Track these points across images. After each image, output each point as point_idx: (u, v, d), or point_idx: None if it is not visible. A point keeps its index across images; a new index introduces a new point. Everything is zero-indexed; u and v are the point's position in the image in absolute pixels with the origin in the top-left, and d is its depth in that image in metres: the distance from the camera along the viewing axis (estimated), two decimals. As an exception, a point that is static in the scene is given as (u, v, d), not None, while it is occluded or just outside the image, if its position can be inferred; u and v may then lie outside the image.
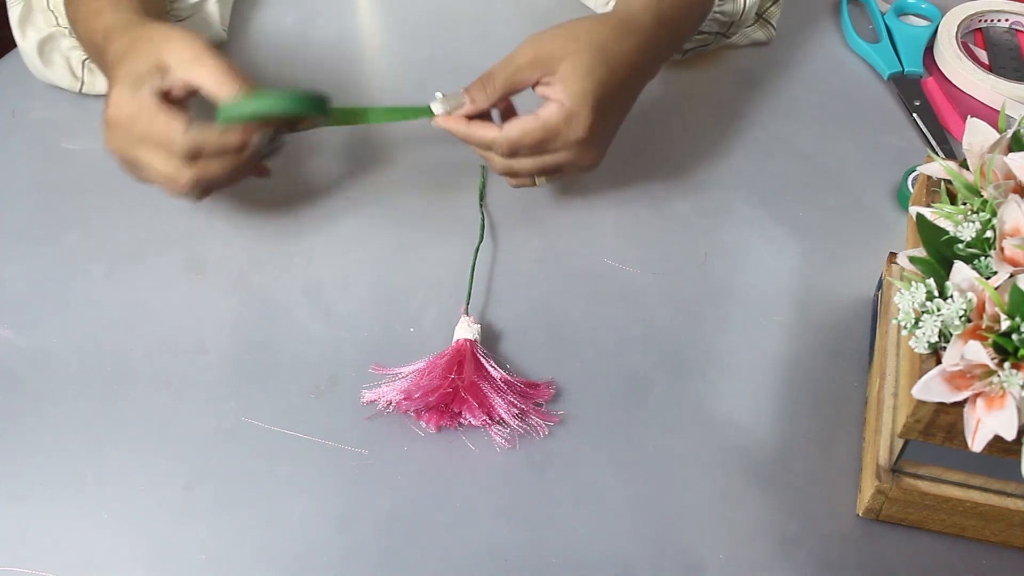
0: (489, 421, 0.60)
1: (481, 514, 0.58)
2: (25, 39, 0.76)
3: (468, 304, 0.66)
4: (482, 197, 0.73)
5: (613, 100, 0.65)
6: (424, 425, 0.61)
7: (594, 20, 0.66)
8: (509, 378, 0.62)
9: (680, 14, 0.70)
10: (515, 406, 0.60)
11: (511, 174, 0.67)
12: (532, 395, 0.62)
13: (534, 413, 0.61)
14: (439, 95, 0.66)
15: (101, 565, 0.56)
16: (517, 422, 0.60)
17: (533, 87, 0.65)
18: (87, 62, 0.78)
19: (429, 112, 0.66)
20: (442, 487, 0.59)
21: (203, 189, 0.63)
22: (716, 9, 0.77)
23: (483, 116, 0.66)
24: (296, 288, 0.68)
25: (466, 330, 0.63)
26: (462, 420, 0.60)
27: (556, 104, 0.63)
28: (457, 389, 0.61)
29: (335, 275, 0.69)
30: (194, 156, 0.60)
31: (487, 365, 0.62)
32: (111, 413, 0.62)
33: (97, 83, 0.79)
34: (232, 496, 0.58)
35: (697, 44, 0.81)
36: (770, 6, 0.83)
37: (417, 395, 0.60)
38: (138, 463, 0.60)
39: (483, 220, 0.71)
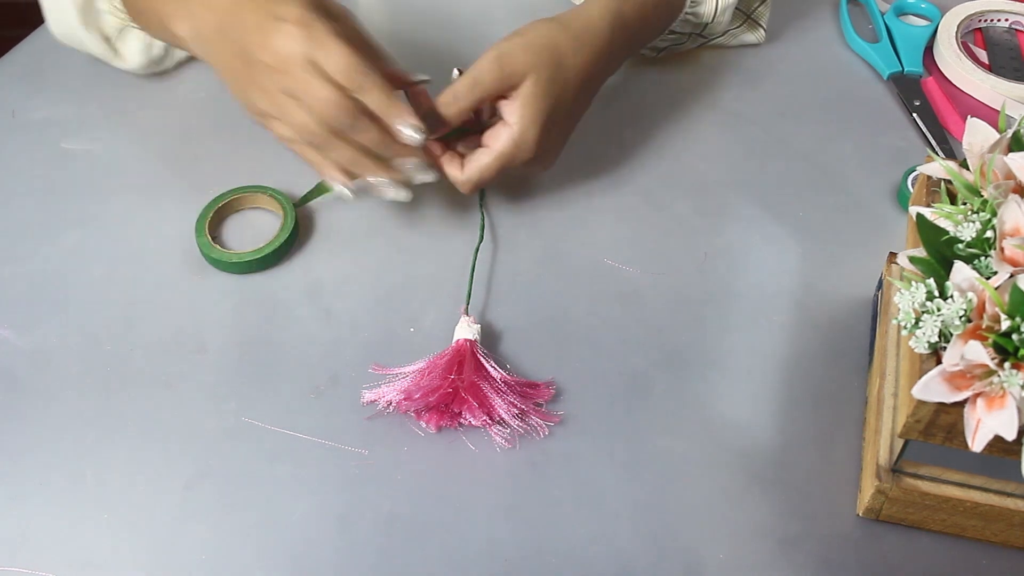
0: (489, 421, 0.60)
1: (481, 514, 0.58)
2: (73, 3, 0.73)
3: (468, 304, 0.66)
4: (482, 197, 0.73)
5: (562, 113, 0.67)
6: (424, 425, 0.61)
7: (553, 28, 0.66)
8: (509, 378, 0.62)
9: (643, 20, 0.71)
10: (515, 406, 0.60)
11: (475, 185, 0.68)
12: (532, 395, 0.62)
13: (534, 413, 0.61)
14: (455, 74, 0.68)
15: (101, 565, 0.56)
16: (517, 422, 0.60)
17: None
18: (120, 31, 0.76)
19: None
20: (442, 487, 0.59)
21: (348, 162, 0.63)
22: (688, 10, 0.77)
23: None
24: (296, 288, 0.68)
25: (466, 330, 0.63)
26: (462, 420, 0.60)
27: (507, 132, 0.65)
28: (457, 389, 0.61)
29: (335, 275, 0.69)
30: (360, 91, 0.60)
31: (487, 365, 0.62)
32: (111, 413, 0.62)
33: (127, 54, 0.77)
34: (232, 496, 0.58)
35: (671, 43, 0.81)
36: (758, 6, 0.83)
37: (417, 395, 0.60)
38: (138, 463, 0.60)
39: (483, 220, 0.71)
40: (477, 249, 0.69)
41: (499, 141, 0.66)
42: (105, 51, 0.77)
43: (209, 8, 0.63)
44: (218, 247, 0.69)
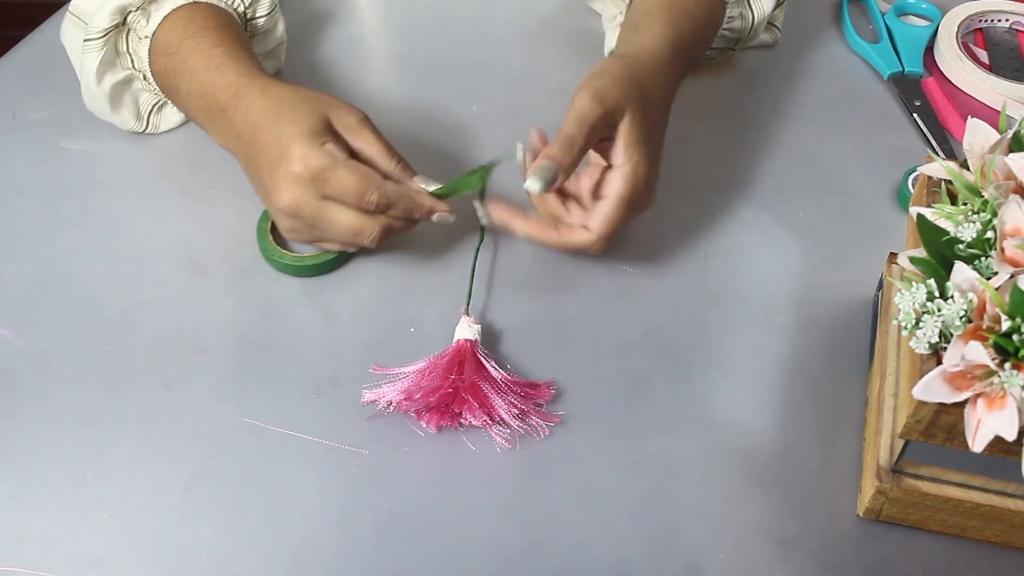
0: (489, 421, 0.60)
1: (481, 514, 0.58)
2: (100, 84, 0.72)
3: (468, 304, 0.66)
4: (482, 197, 0.72)
5: (656, 142, 0.66)
6: (424, 425, 0.61)
7: (628, 63, 0.65)
8: (509, 378, 0.62)
9: (695, 35, 0.72)
10: (515, 406, 0.60)
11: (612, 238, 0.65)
12: (532, 395, 0.62)
13: (534, 413, 0.61)
14: (520, 154, 0.64)
15: (101, 565, 0.56)
16: (517, 422, 0.60)
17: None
18: (157, 105, 0.76)
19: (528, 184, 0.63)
20: (442, 487, 0.59)
21: (383, 237, 0.63)
22: (724, 27, 0.77)
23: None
24: (296, 288, 0.68)
25: (466, 330, 0.63)
26: (463, 420, 0.60)
27: (621, 174, 0.63)
28: (457, 389, 0.60)
29: (335, 275, 0.69)
30: (385, 209, 0.62)
31: (487, 365, 0.62)
32: (111, 413, 0.62)
33: (162, 124, 0.77)
34: (232, 496, 0.58)
35: (705, 59, 0.82)
36: (774, 8, 0.82)
37: (417, 395, 0.60)
38: (138, 463, 0.60)
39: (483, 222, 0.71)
40: (477, 249, 0.69)
41: (615, 185, 0.63)
42: (135, 126, 0.76)
43: (234, 143, 0.66)
44: (283, 250, 0.69)
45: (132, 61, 0.72)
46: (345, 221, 0.61)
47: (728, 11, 0.76)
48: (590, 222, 0.63)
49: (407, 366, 0.63)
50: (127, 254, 0.70)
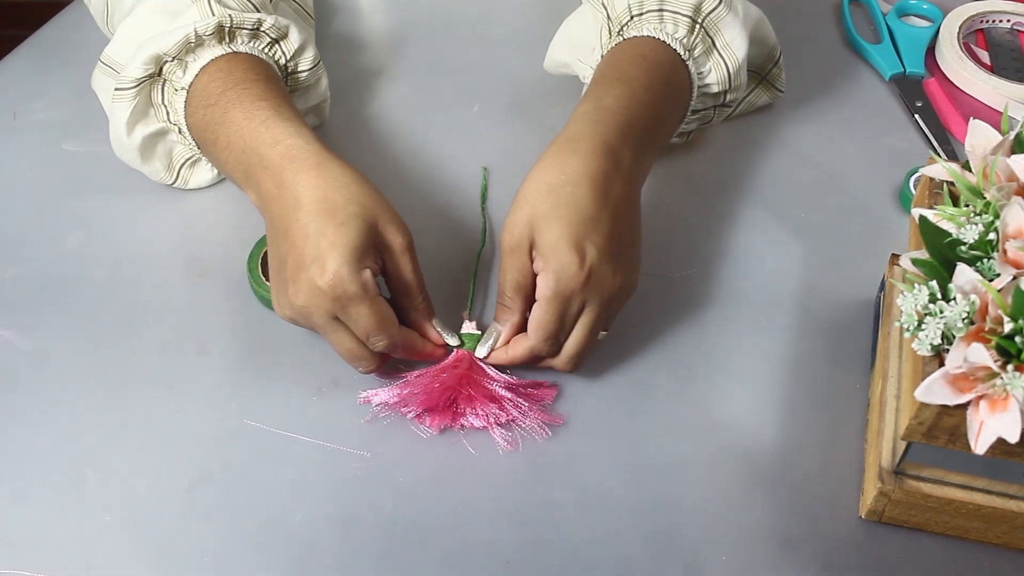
0: (491, 423, 0.60)
1: (483, 516, 0.58)
2: (131, 136, 0.69)
3: (470, 309, 0.66)
4: (484, 201, 0.73)
5: (602, 220, 0.59)
6: (426, 427, 0.61)
7: (537, 170, 0.60)
8: (511, 380, 0.62)
9: (654, 109, 0.65)
10: (517, 408, 0.60)
11: (578, 357, 0.61)
12: (534, 396, 0.62)
13: (536, 415, 0.61)
14: (468, 331, 0.64)
15: (102, 567, 0.56)
16: (519, 424, 0.60)
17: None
18: (191, 160, 0.72)
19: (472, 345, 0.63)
20: (444, 489, 0.59)
21: (378, 368, 0.61)
22: (699, 85, 0.70)
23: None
24: (297, 290, 0.68)
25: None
26: (464, 422, 0.60)
27: (542, 274, 0.59)
28: (459, 391, 0.60)
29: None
30: (390, 352, 0.60)
31: (488, 368, 0.62)
32: (113, 415, 0.62)
33: (192, 180, 0.74)
34: (234, 498, 0.58)
35: (698, 121, 0.74)
36: (772, 68, 0.78)
37: (419, 397, 0.60)
38: (140, 465, 0.60)
39: (484, 224, 0.71)
40: (479, 254, 0.69)
41: (540, 285, 0.59)
42: (165, 178, 0.73)
43: (272, 207, 0.61)
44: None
45: (168, 114, 0.68)
46: (347, 347, 0.59)
47: (695, 68, 0.69)
48: (529, 330, 0.60)
49: (410, 370, 0.62)
50: (129, 255, 0.70)
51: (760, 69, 0.78)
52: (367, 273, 0.57)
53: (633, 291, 0.62)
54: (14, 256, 0.70)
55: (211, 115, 0.65)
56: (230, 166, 0.65)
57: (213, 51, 0.66)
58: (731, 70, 0.71)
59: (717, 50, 0.70)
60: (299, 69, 0.71)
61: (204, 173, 0.73)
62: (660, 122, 0.67)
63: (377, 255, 0.59)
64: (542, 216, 0.58)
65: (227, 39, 0.67)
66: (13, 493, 0.58)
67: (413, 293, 0.61)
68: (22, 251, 0.71)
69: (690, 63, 0.68)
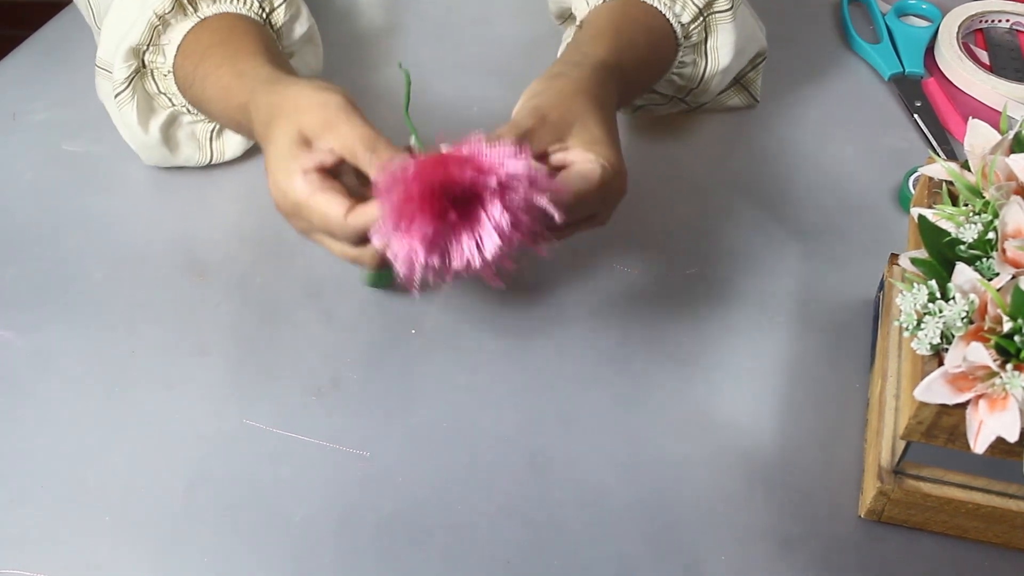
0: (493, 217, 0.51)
1: (482, 515, 0.58)
2: (148, 132, 0.69)
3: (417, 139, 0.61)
4: (407, 107, 0.66)
5: (615, 139, 0.60)
6: (420, 252, 0.51)
7: (570, 75, 0.61)
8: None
9: (638, 67, 0.67)
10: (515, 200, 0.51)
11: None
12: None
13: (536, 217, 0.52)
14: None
15: (102, 567, 0.55)
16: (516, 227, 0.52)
17: (542, 158, 0.59)
18: (215, 131, 0.73)
19: None
20: (443, 489, 0.59)
21: (383, 262, 0.57)
22: (674, 71, 0.71)
23: None
24: (297, 289, 0.68)
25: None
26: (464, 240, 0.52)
27: (592, 163, 0.57)
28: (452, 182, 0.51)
29: (336, 277, 0.69)
30: (365, 239, 0.55)
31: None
32: (112, 415, 0.62)
33: (228, 150, 0.74)
34: (233, 498, 0.58)
35: (647, 102, 0.76)
36: (749, 71, 0.78)
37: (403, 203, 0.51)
38: (139, 465, 0.60)
39: (413, 131, 0.65)
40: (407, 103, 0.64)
41: (584, 170, 0.56)
42: (201, 158, 0.73)
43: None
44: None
45: (170, 100, 0.69)
46: (338, 250, 0.58)
47: (681, 54, 0.70)
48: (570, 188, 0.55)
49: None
50: (128, 256, 0.70)
51: (737, 74, 0.78)
52: (297, 179, 0.55)
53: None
54: (13, 256, 0.70)
55: (195, 92, 0.66)
56: (232, 127, 0.68)
57: (183, 25, 0.66)
58: (707, 73, 0.72)
59: (705, 49, 0.71)
60: (275, 5, 0.69)
61: (233, 138, 0.73)
62: (638, 89, 0.70)
63: (313, 149, 0.56)
64: (596, 120, 0.59)
65: (192, 8, 0.66)
66: (13, 493, 0.58)
67: (360, 156, 0.55)
68: (21, 251, 0.71)
69: (680, 50, 0.70)
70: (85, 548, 0.56)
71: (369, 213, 0.54)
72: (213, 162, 0.74)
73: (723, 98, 0.79)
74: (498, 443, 0.60)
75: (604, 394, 0.63)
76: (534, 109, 0.59)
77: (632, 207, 0.74)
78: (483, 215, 0.51)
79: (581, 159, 0.58)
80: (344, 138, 0.56)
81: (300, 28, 0.73)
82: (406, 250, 0.51)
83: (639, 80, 0.69)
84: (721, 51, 0.71)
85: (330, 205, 0.55)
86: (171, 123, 0.71)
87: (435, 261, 0.52)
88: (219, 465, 0.60)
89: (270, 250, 0.70)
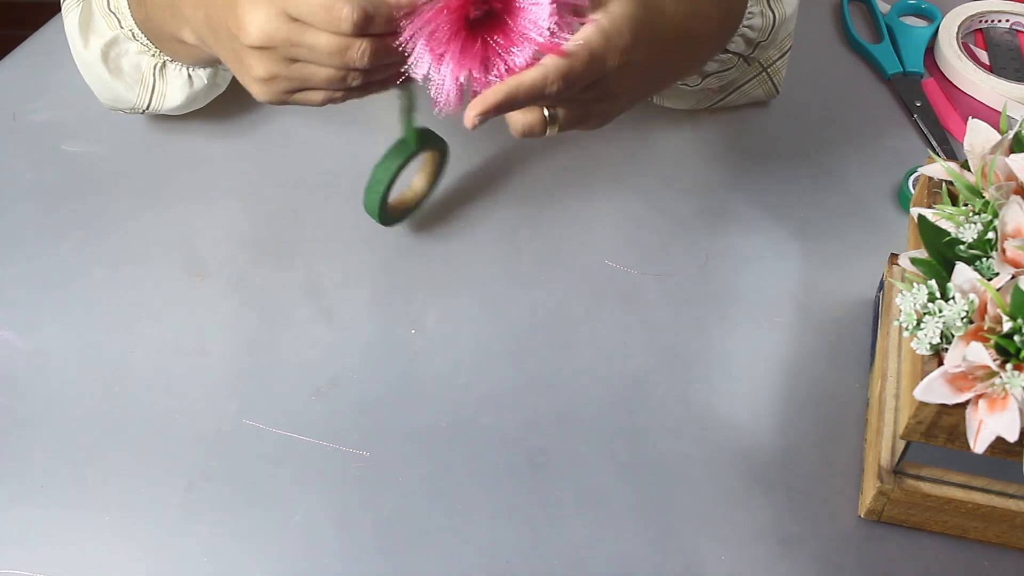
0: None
1: (482, 516, 0.58)
2: (88, 48, 0.69)
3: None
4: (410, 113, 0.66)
5: (655, 42, 0.56)
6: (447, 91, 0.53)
7: None
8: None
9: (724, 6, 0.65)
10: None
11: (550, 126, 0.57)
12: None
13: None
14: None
15: (102, 567, 0.56)
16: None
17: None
18: (158, 68, 0.71)
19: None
20: (443, 489, 0.59)
21: (370, 75, 0.55)
22: (745, 23, 0.70)
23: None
24: (297, 289, 0.68)
25: None
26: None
27: (594, 25, 0.53)
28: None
29: (336, 276, 0.69)
30: (366, 24, 0.52)
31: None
32: (112, 415, 0.62)
33: (168, 92, 0.72)
34: (233, 498, 0.58)
35: (718, 67, 0.73)
36: (777, 59, 0.77)
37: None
38: (139, 465, 0.60)
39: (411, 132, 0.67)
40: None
41: (585, 31, 0.53)
42: (141, 95, 0.72)
43: (195, 6, 0.59)
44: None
45: (119, 21, 0.68)
46: (323, 47, 0.53)
47: (748, 5, 0.69)
48: (544, 60, 0.53)
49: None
50: (127, 256, 0.70)
51: (765, 60, 0.77)
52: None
53: (608, 121, 0.59)
54: (13, 257, 0.70)
55: (145, 10, 0.65)
56: (175, 51, 0.66)
57: None
58: (776, 22, 0.71)
59: (769, 1, 0.71)
60: None
61: (177, 79, 0.72)
62: (727, 24, 0.66)
63: None
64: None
65: None
66: (13, 493, 0.58)
67: None
68: (21, 251, 0.71)
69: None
70: (85, 548, 0.56)
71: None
72: (152, 107, 0.73)
73: (748, 88, 0.79)
74: (498, 443, 0.60)
75: (603, 393, 0.63)
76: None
77: (632, 206, 0.74)
78: (511, 23, 0.51)
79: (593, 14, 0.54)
80: None
81: None
82: (439, 62, 0.51)
83: (725, 16, 0.66)
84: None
85: None
86: (113, 45, 0.70)
87: (465, 74, 0.52)
88: (219, 465, 0.60)
89: (270, 250, 0.71)
